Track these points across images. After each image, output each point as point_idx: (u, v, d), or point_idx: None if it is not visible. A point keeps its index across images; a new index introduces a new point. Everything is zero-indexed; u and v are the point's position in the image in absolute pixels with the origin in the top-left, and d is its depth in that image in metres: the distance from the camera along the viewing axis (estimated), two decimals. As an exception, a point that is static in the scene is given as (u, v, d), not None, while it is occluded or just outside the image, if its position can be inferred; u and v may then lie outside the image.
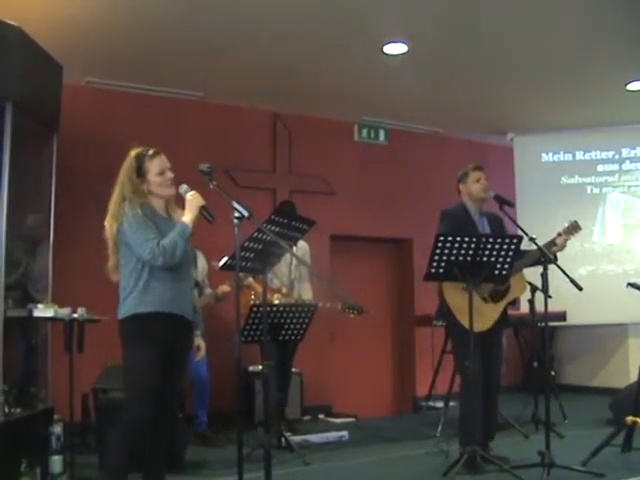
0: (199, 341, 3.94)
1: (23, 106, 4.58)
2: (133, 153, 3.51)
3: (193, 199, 3.47)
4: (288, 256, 5.80)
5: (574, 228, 4.69)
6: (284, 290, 6.16)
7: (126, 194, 3.44)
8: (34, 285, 4.90)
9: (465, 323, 4.44)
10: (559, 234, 4.65)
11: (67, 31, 5.36)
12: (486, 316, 4.50)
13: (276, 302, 5.91)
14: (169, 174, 3.53)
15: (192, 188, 3.52)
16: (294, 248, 5.17)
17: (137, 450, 3.42)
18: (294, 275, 6.30)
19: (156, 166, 3.49)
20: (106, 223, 3.47)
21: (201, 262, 6.00)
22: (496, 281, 4.52)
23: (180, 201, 3.57)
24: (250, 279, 5.93)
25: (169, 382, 3.46)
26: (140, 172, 3.47)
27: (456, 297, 4.52)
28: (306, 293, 6.31)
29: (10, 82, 4.45)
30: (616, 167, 8.40)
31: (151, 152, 3.51)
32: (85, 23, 5.28)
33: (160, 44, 5.80)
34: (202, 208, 3.46)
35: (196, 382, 5.81)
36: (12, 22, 4.45)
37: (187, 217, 3.46)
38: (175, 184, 3.53)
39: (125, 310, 3.44)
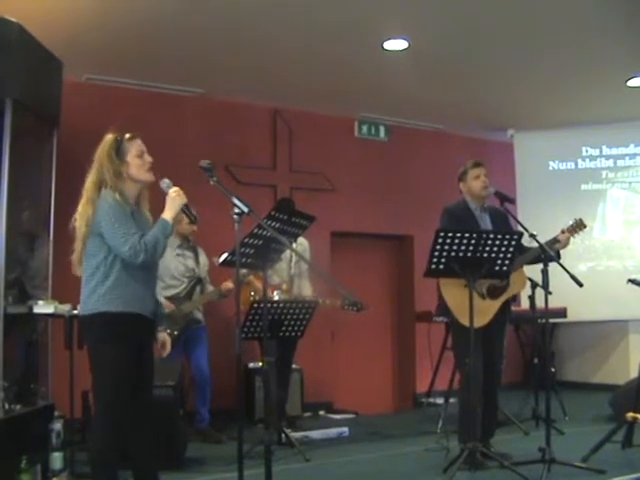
0: (163, 336, 3.61)
1: (23, 103, 4.56)
2: (110, 135, 3.37)
3: (176, 197, 3.34)
4: (288, 252, 5.79)
5: (578, 226, 4.70)
6: (284, 286, 6.14)
7: (106, 177, 3.27)
8: (31, 281, 4.88)
9: (462, 320, 4.45)
10: (562, 231, 4.65)
11: (67, 28, 5.34)
12: (484, 312, 4.50)
13: (275, 298, 5.90)
14: (148, 157, 3.39)
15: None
16: (294, 244, 5.16)
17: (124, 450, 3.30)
18: (293, 271, 6.28)
19: (135, 148, 3.36)
20: (80, 208, 3.29)
21: (203, 258, 5.99)
22: (495, 278, 4.51)
23: (155, 194, 3.49)
24: (250, 276, 5.92)
25: (141, 381, 3.33)
26: (119, 153, 3.32)
27: (453, 294, 4.53)
28: (306, 290, 6.29)
29: (10, 79, 4.43)
30: (616, 163, 8.39)
31: (128, 135, 3.39)
32: (85, 20, 5.27)
33: (160, 41, 5.78)
34: (184, 206, 3.37)
35: (198, 379, 5.79)
36: (12, 19, 4.44)
37: (168, 214, 3.32)
38: (171, 179, 3.44)
39: (92, 306, 3.24)
